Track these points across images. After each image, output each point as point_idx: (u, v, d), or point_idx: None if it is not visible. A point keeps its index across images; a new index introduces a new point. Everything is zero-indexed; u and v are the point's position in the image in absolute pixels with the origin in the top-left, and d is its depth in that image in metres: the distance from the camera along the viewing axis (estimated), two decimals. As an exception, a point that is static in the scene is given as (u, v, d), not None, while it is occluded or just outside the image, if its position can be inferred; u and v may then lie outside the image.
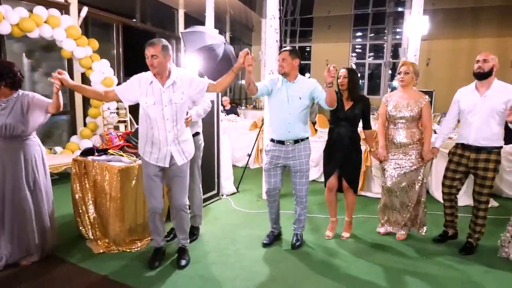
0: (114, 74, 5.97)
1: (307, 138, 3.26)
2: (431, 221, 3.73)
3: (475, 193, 3.23)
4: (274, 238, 3.49)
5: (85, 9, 5.99)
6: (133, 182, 3.31)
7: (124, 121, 6.02)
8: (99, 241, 3.31)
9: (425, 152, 3.35)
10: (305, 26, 14.19)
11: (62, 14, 5.45)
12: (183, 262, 2.98)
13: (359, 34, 13.98)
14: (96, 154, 3.46)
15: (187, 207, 3.05)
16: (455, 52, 11.45)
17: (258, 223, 3.90)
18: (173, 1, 9.12)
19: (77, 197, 3.40)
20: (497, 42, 10.95)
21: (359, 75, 3.31)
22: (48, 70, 6.08)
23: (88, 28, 6.63)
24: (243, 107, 11.75)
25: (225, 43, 4.16)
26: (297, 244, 3.37)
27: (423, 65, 9.66)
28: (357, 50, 14.13)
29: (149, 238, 3.43)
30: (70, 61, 5.93)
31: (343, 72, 3.35)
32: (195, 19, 9.65)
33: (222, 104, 8.02)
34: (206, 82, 2.85)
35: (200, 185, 3.50)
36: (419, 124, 3.43)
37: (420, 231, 3.55)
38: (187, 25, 9.09)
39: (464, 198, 4.50)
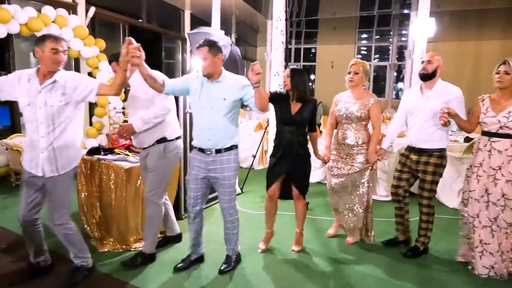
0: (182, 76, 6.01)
1: (234, 147, 2.78)
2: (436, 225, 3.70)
3: (418, 196, 3.18)
4: (191, 263, 2.97)
5: (92, 9, 6.04)
6: (138, 181, 3.33)
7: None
8: (103, 239, 3.34)
9: (370, 153, 3.24)
10: (310, 27, 14.21)
11: (69, 14, 5.51)
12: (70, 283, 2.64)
13: (364, 36, 13.99)
14: (102, 153, 3.48)
15: (62, 221, 2.56)
16: (461, 54, 11.41)
17: (261, 224, 3.87)
18: (179, 2, 9.16)
19: (82, 196, 3.42)
20: (503, 44, 10.89)
21: (307, 75, 3.07)
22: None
23: (95, 28, 6.68)
24: (248, 108, 11.75)
25: (231, 44, 4.18)
26: (224, 268, 2.92)
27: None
28: (362, 52, 14.13)
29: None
30: (77, 60, 5.99)
31: (286, 71, 3.16)
32: (201, 20, 9.68)
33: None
34: (96, 82, 2.56)
35: (167, 202, 3.17)
36: (367, 126, 3.33)
37: (368, 238, 3.47)
38: (193, 26, 9.12)
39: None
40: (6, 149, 4.90)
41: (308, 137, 3.25)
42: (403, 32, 12.69)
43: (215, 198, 4.50)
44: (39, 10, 5.00)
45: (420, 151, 3.10)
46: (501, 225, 2.83)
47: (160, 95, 2.74)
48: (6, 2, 5.00)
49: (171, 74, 2.99)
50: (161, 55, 9.14)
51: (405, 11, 11.73)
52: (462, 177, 3.88)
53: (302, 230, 3.36)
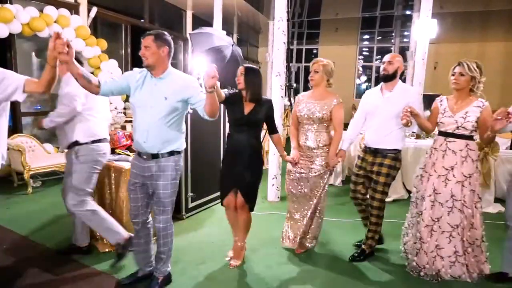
0: (122, 74, 6.03)
1: (176, 153, 2.51)
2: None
3: (370, 197, 3.16)
4: (137, 280, 2.71)
5: (94, 9, 6.05)
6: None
7: (131, 121, 6.05)
8: (104, 240, 3.33)
9: (330, 156, 3.10)
10: (312, 28, 14.22)
11: (71, 14, 5.52)
12: None
13: (366, 37, 13.99)
14: (103, 153, 3.47)
15: None
16: (463, 56, 11.22)
17: (262, 225, 3.89)
18: (181, 2, 9.17)
19: (84, 196, 3.42)
20: (506, 46, 10.85)
21: (261, 76, 2.86)
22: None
23: (97, 28, 6.69)
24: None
25: (233, 45, 4.18)
26: None
27: (430, 69, 9.60)
28: (364, 53, 14.13)
29: (154, 237, 3.43)
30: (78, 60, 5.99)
31: (240, 69, 2.95)
32: (203, 20, 9.70)
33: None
34: (21, 79, 2.35)
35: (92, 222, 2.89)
36: (329, 128, 3.20)
37: (312, 245, 3.36)
38: (195, 26, 9.13)
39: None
40: (8, 149, 4.90)
41: (266, 141, 3.10)
42: (405, 33, 12.69)
43: (215, 199, 4.51)
44: (41, 10, 5.01)
45: (375, 152, 3.10)
46: (443, 227, 2.81)
47: (75, 95, 2.70)
48: (8, 2, 5.01)
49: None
50: (163, 56, 9.12)
51: (407, 12, 11.71)
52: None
53: (243, 243, 3.12)
